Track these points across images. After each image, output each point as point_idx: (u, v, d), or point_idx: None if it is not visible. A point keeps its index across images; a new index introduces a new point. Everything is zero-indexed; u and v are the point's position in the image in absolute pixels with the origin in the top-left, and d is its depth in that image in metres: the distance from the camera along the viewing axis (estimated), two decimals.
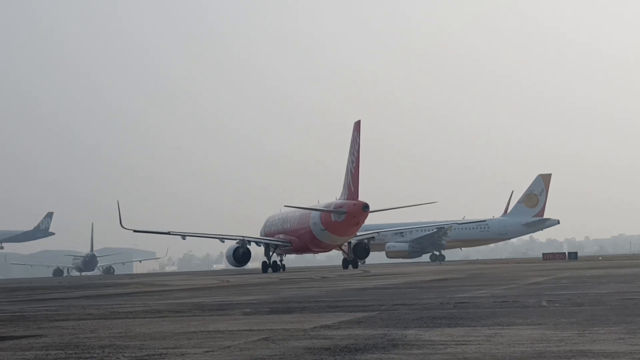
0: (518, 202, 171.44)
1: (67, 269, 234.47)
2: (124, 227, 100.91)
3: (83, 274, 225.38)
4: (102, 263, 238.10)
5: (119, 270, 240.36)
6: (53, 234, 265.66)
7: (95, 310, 25.97)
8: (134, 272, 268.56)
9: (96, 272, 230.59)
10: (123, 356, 12.06)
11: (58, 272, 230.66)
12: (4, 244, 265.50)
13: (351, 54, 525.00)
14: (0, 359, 12.25)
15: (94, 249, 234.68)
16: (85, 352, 12.86)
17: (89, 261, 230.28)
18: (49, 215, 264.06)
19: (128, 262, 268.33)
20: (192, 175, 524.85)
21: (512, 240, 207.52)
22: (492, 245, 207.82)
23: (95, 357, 12.01)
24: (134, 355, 12.18)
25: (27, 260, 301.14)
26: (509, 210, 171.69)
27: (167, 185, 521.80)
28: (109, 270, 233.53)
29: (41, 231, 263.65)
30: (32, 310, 27.22)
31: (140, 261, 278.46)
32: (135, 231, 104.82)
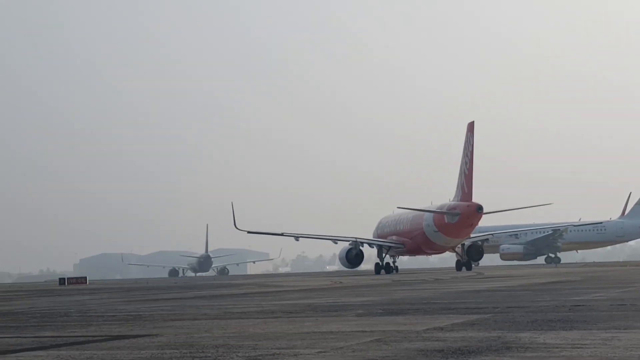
0: (636, 204, 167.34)
1: (183, 270, 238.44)
2: (238, 229, 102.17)
3: (198, 274, 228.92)
4: (216, 264, 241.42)
5: (233, 271, 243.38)
6: None
7: (210, 310, 26.32)
8: (248, 272, 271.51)
9: (211, 272, 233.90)
10: (237, 356, 12.18)
11: (173, 272, 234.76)
12: None
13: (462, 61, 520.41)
14: (117, 358, 12.50)
15: (209, 249, 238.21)
16: (200, 351, 13.03)
17: (204, 262, 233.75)
18: None
19: (242, 263, 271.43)
20: (306, 175, 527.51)
21: (630, 242, 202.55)
22: (609, 247, 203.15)
23: (209, 357, 12.16)
24: (247, 355, 12.29)
25: (144, 261, 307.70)
26: (626, 212, 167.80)
27: (281, 185, 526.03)
28: (223, 271, 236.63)
29: None
30: (148, 310, 27.74)
31: (254, 262, 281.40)
32: (249, 232, 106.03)
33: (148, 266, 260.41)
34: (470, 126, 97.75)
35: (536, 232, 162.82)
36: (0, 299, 50.23)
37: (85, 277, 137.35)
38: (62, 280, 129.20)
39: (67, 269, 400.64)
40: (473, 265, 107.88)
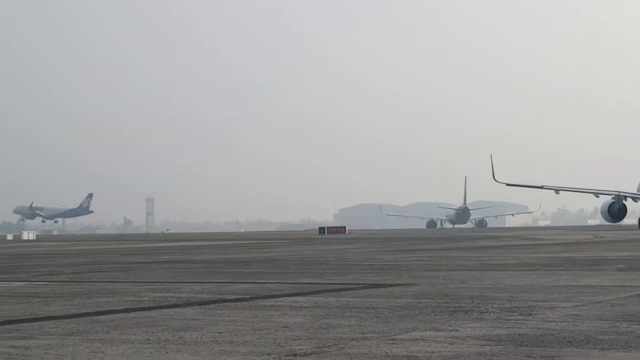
0: None
1: (440, 221, 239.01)
2: (497, 181, 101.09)
3: (455, 226, 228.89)
4: (474, 216, 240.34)
5: (491, 224, 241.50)
6: (92, 212, 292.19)
7: (466, 261, 26.22)
8: (507, 225, 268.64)
9: (468, 224, 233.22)
10: (492, 307, 12.03)
11: (431, 224, 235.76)
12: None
13: None
14: (373, 305, 12.64)
15: (467, 202, 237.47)
16: (455, 301, 12.97)
17: (462, 214, 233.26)
18: (89, 195, 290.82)
19: (500, 216, 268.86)
20: (566, 123, 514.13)
21: None
22: None
23: (464, 307, 12.07)
24: (502, 306, 12.12)
25: (402, 212, 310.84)
26: None
27: (540, 136, 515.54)
28: (481, 223, 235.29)
29: (83, 209, 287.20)
30: (405, 260, 27.98)
31: (512, 215, 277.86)
32: (507, 185, 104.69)
33: (406, 217, 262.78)
34: None
35: None
36: (262, 247, 52.19)
37: (345, 227, 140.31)
38: (322, 229, 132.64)
39: (327, 219, 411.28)
40: None
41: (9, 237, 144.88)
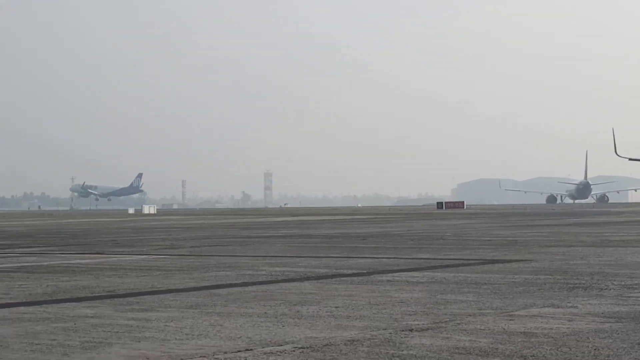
0: None
1: (561, 196, 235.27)
2: (619, 155, 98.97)
3: (576, 201, 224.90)
4: (595, 191, 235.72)
5: (613, 199, 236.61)
6: (142, 191, 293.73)
7: (587, 237, 25.75)
8: (629, 200, 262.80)
9: (589, 200, 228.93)
10: (612, 284, 11.78)
11: (551, 199, 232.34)
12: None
13: None
14: (490, 281, 12.52)
15: (588, 176, 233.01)
16: (574, 277, 12.75)
17: (583, 189, 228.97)
18: (139, 175, 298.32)
19: (623, 191, 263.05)
20: None
21: None
22: None
23: (583, 284, 11.86)
24: (623, 283, 11.87)
25: (521, 187, 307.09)
26: None
27: None
28: (602, 198, 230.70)
29: (133, 188, 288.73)
30: (524, 236, 27.63)
31: (635, 190, 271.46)
32: (630, 159, 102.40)
33: (525, 192, 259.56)
34: None
35: None
36: (379, 222, 52.21)
37: (463, 202, 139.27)
38: (439, 204, 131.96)
39: (445, 194, 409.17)
40: None
41: (131, 211, 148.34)
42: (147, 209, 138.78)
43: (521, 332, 7.82)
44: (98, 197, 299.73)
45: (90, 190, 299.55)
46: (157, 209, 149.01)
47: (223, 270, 15.27)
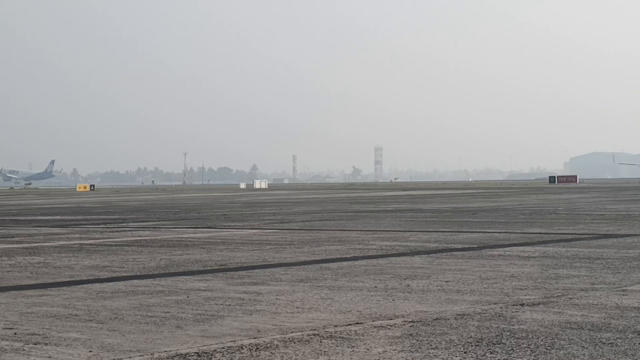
0: None
1: None
2: None
3: None
4: None
5: None
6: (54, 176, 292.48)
7: None
8: None
9: None
10: None
11: None
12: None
13: None
14: (603, 256, 12.30)
15: None
16: None
17: None
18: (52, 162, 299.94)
19: None
20: None
21: None
22: None
23: None
24: None
25: (636, 161, 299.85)
26: None
27: None
28: None
29: (47, 173, 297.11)
30: (638, 210, 27.09)
31: None
32: None
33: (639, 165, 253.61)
34: None
35: None
36: (490, 196, 51.72)
37: (575, 176, 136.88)
38: (552, 179, 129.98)
39: (557, 167, 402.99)
40: None
41: (242, 185, 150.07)
42: (258, 184, 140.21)
43: (635, 307, 7.67)
44: (18, 181, 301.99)
45: (9, 175, 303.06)
46: (268, 184, 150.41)
47: (333, 245, 15.33)
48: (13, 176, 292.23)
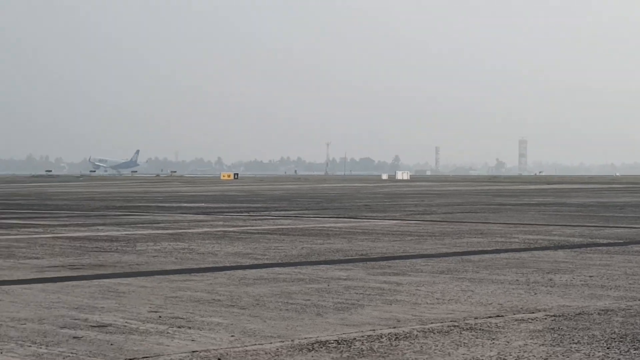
0: None
1: None
2: None
3: None
4: None
5: None
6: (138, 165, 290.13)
7: None
8: None
9: None
10: None
11: None
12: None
13: None
14: None
15: None
16: None
17: None
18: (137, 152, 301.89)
19: None
20: None
21: None
22: None
23: None
24: None
25: None
26: None
27: None
28: None
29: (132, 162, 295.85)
30: None
31: None
32: None
33: None
34: None
35: None
36: (638, 191, 50.32)
37: None
38: None
39: None
40: None
41: (384, 176, 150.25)
42: (400, 175, 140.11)
43: None
44: (106, 169, 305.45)
45: (98, 163, 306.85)
46: (410, 175, 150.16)
47: (475, 237, 15.21)
48: (102, 164, 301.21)
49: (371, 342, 6.06)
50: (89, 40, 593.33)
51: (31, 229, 17.37)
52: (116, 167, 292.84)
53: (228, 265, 10.87)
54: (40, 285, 8.89)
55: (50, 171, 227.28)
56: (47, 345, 5.93)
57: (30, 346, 5.92)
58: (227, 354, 5.69)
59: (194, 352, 5.75)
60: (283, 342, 6.07)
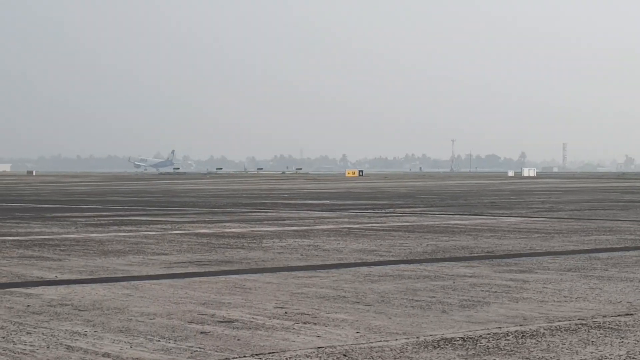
0: None
1: None
2: None
3: None
4: None
5: None
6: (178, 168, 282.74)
7: None
8: None
9: None
10: None
11: None
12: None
13: None
14: None
15: None
16: None
17: None
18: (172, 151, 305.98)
19: None
20: None
21: None
22: None
23: None
24: None
25: None
26: None
27: None
28: None
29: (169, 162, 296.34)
30: None
31: None
32: None
33: None
34: None
35: None
36: None
37: None
38: None
39: None
40: None
41: (510, 173, 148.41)
42: (526, 172, 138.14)
43: None
44: (146, 168, 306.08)
45: (138, 163, 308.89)
46: (536, 172, 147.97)
47: (603, 234, 14.91)
48: (142, 164, 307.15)
49: (497, 339, 6.01)
50: (183, 46, 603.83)
51: (159, 226, 17.77)
52: (155, 166, 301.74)
53: (353, 262, 10.91)
54: (168, 281, 9.09)
55: (221, 169, 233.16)
56: (175, 340, 6.06)
57: (159, 341, 6.06)
58: (353, 351, 5.72)
59: (319, 348, 5.79)
60: (408, 339, 6.07)
